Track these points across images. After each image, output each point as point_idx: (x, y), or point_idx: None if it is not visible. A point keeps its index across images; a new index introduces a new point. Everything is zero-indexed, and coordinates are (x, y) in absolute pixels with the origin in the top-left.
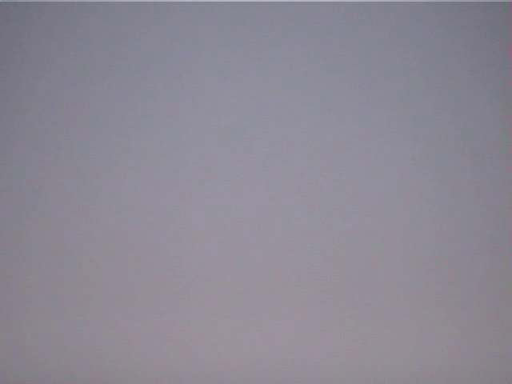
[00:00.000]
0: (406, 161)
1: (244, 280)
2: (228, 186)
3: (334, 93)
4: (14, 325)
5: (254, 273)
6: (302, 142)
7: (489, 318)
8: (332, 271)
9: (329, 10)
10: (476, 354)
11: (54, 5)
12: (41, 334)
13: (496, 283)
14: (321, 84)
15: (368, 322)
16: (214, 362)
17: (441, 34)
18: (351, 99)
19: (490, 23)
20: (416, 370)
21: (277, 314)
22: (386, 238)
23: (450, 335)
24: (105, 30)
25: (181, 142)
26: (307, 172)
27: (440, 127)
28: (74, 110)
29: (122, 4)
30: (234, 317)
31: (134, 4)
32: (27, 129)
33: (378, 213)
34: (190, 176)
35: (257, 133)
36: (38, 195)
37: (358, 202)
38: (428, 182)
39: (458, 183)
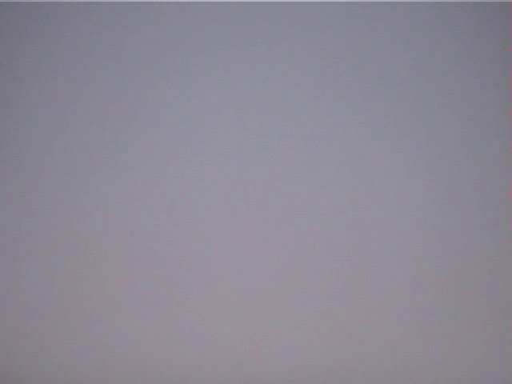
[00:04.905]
0: (407, 162)
1: (245, 280)
2: (229, 187)
3: (334, 93)
4: (14, 324)
5: (254, 273)
6: (303, 141)
7: (489, 318)
8: (332, 272)
9: (329, 10)
10: (476, 354)
11: (53, 5)
12: (40, 334)
13: (497, 285)
14: (322, 84)
15: (368, 323)
16: (214, 362)
17: (441, 34)
18: (351, 100)
19: (490, 23)
20: (416, 370)
21: (277, 315)
22: (387, 238)
23: (451, 337)
24: (105, 30)
25: (181, 141)
26: (308, 171)
27: (440, 127)
28: (74, 109)
29: (122, 4)
30: (234, 317)
31: (133, 4)
32: (27, 128)
33: (379, 214)
34: (192, 176)
35: (257, 133)
36: (37, 195)
37: (360, 204)
38: (430, 182)
39: (460, 185)
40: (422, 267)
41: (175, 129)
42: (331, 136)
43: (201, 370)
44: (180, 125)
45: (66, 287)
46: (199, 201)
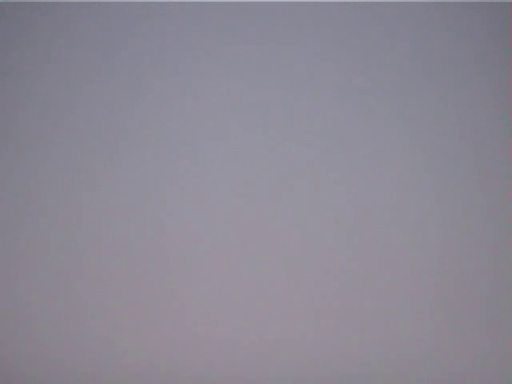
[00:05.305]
0: (407, 162)
1: (244, 280)
2: (229, 187)
3: (335, 94)
4: (14, 324)
5: (254, 273)
6: (304, 141)
7: (489, 318)
8: (333, 272)
9: (329, 10)
10: (476, 353)
11: (54, 5)
12: (40, 334)
13: (497, 285)
14: (323, 85)
15: (369, 323)
16: (213, 362)
17: (441, 34)
18: (352, 100)
19: (490, 23)
20: (416, 370)
21: (277, 315)
22: (387, 238)
23: (451, 336)
24: (105, 30)
25: (180, 141)
26: (307, 172)
27: (440, 126)
28: (73, 109)
29: (121, 4)
30: (234, 316)
31: (133, 4)
32: (27, 128)
33: (380, 214)
34: (193, 176)
35: (258, 133)
36: (38, 196)
37: (360, 204)
38: (430, 182)
39: (460, 185)
40: (422, 267)
41: (176, 129)
42: (332, 136)
43: (200, 369)
44: (181, 125)
45: (66, 287)
46: (201, 201)
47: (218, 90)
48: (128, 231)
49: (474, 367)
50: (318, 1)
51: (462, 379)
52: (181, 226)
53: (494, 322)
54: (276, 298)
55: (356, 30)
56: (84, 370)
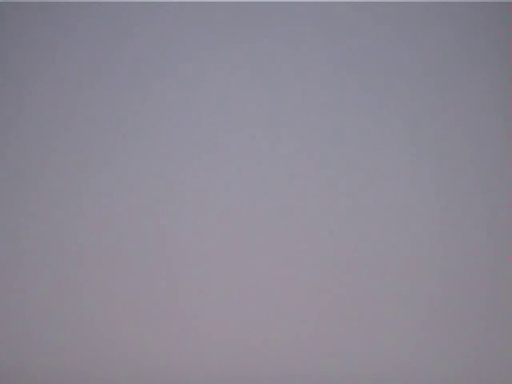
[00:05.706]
0: (408, 162)
1: (245, 280)
2: (227, 187)
3: (336, 95)
4: (13, 324)
5: (254, 273)
6: (304, 141)
7: (489, 318)
8: (332, 272)
9: (329, 10)
10: (476, 355)
11: (53, 5)
12: (41, 333)
13: (497, 285)
14: (322, 84)
15: (368, 323)
16: (214, 362)
17: (441, 33)
18: (353, 101)
19: (490, 23)
20: (415, 370)
21: (278, 316)
22: (387, 239)
23: (451, 337)
24: (105, 29)
25: (180, 141)
26: (308, 172)
27: (440, 126)
28: (73, 109)
29: (121, 4)
30: (234, 317)
31: (133, 4)
32: (26, 128)
33: (380, 214)
34: (190, 175)
35: (258, 133)
36: (37, 195)
37: (360, 204)
38: (431, 184)
39: (460, 185)
40: (422, 267)
41: (176, 127)
42: (332, 137)
43: (201, 369)
44: (182, 123)
45: (66, 287)
46: (201, 201)
47: (218, 91)
48: (129, 232)
49: (474, 367)
50: (318, 1)
51: (462, 379)
52: (182, 226)
53: (493, 322)
54: (276, 298)
55: (356, 29)
56: (84, 370)
